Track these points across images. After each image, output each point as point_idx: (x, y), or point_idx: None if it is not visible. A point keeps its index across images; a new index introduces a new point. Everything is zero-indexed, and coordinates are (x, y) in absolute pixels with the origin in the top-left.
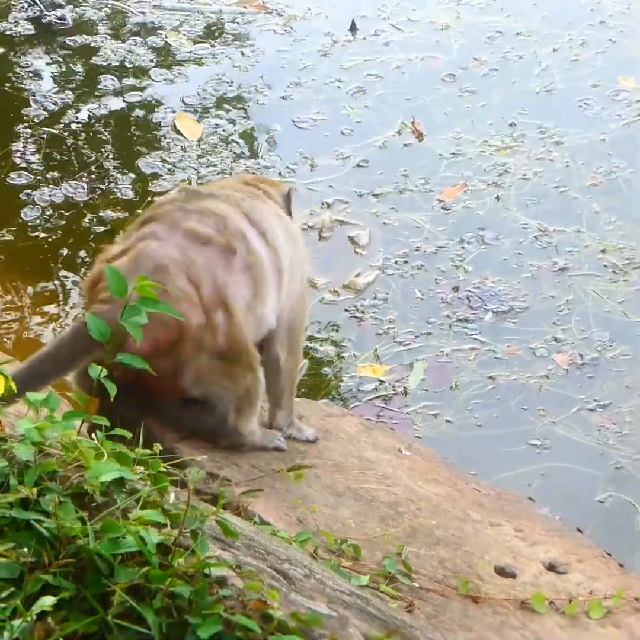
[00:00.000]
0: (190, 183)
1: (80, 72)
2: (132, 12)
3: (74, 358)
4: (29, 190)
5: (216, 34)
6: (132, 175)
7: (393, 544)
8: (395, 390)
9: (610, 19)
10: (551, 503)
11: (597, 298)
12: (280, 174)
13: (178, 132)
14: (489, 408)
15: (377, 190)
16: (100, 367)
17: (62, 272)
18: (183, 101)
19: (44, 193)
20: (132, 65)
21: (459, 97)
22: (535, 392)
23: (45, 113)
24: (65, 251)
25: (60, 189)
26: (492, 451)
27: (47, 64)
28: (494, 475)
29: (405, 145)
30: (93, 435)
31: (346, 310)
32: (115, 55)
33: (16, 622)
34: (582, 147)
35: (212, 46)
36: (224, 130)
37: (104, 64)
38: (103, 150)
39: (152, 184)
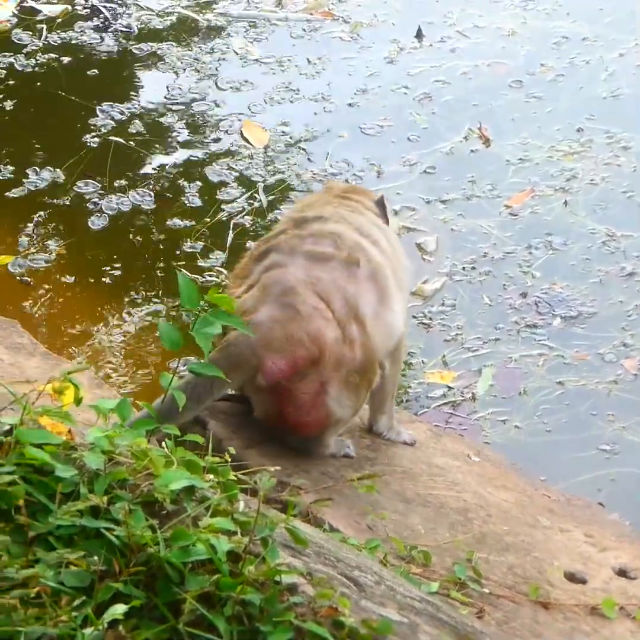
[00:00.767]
0: (257, 192)
1: (146, 80)
2: (198, 20)
3: (212, 388)
4: (96, 199)
5: (282, 41)
6: (199, 183)
7: (463, 550)
8: (463, 396)
9: None
10: (621, 508)
11: None
12: (347, 181)
13: (245, 139)
14: (557, 414)
15: (444, 196)
16: (171, 376)
17: (131, 281)
18: (250, 109)
19: (111, 201)
20: (198, 73)
21: (526, 102)
22: (604, 398)
23: (113, 122)
24: (133, 260)
25: (128, 197)
26: (562, 457)
27: (114, 73)
28: (564, 481)
29: (472, 151)
30: (163, 443)
31: (414, 316)
32: (181, 63)
33: (87, 631)
34: None
35: (279, 54)
36: (291, 138)
37: (170, 72)
38: (170, 158)
39: (220, 191)
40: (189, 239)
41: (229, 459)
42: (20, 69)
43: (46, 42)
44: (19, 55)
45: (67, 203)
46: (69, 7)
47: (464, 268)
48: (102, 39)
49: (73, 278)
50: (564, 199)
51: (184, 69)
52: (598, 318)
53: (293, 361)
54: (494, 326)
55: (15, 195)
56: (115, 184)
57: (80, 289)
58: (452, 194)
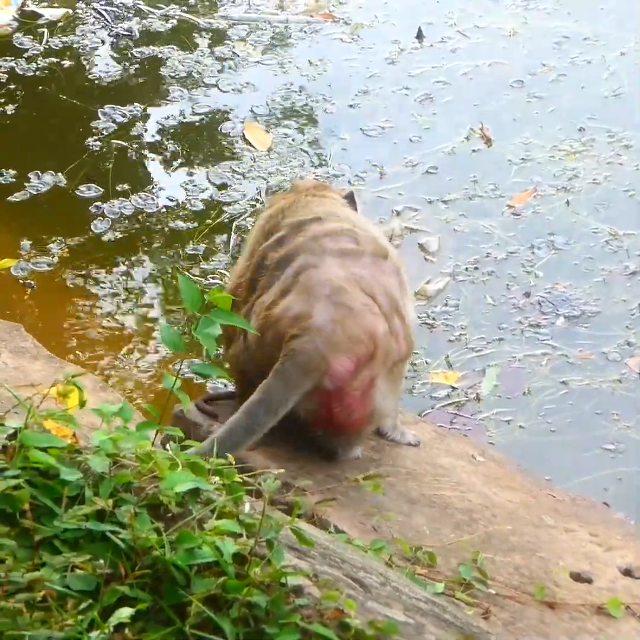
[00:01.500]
0: (259, 194)
1: (148, 83)
2: (199, 23)
3: (286, 398)
4: (99, 203)
5: (283, 43)
6: (201, 185)
7: (468, 550)
8: (467, 396)
9: None
10: (626, 508)
11: None
12: (349, 182)
13: (247, 142)
14: (562, 413)
15: (446, 196)
16: (174, 378)
17: (134, 284)
18: (252, 111)
19: (113, 205)
20: (199, 76)
21: (528, 102)
22: (608, 397)
23: (114, 125)
24: (136, 263)
25: (130, 200)
26: (566, 456)
27: (115, 76)
28: (569, 481)
29: (474, 151)
30: (167, 446)
31: (417, 317)
32: (183, 66)
33: (94, 634)
34: None
35: (280, 56)
36: (293, 140)
37: (172, 75)
38: (172, 161)
39: (222, 194)
40: (191, 242)
41: (234, 461)
42: (21, 73)
43: (47, 46)
44: (20, 59)
45: (69, 207)
46: (70, 10)
47: (466, 268)
48: (104, 42)
49: (76, 281)
50: (566, 199)
51: (186, 72)
52: (602, 317)
53: (357, 360)
54: (498, 326)
55: (17, 199)
56: (118, 188)
57: (83, 292)
58: (454, 194)
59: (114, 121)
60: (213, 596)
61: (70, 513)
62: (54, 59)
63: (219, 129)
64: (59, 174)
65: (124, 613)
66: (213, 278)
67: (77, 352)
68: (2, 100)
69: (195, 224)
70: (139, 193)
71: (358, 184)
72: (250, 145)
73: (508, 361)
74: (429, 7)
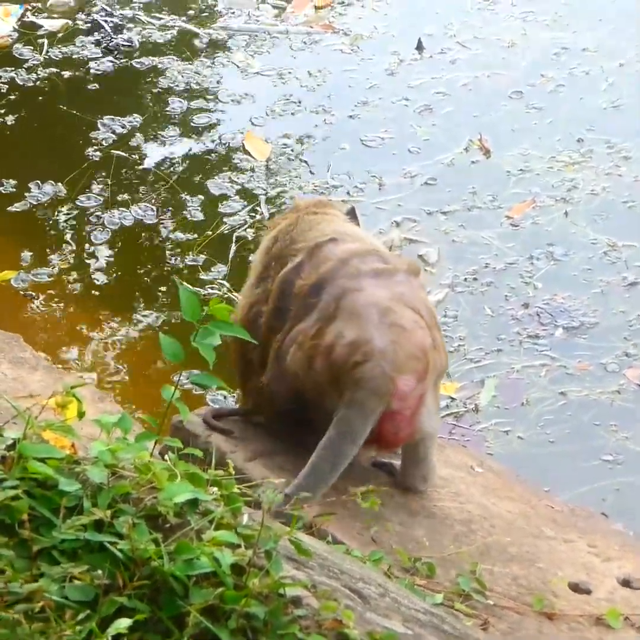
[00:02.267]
0: (259, 204)
1: (147, 94)
2: (198, 33)
3: (365, 427)
4: (98, 213)
5: (283, 54)
6: (201, 196)
7: (467, 561)
8: (466, 407)
9: None
10: (625, 518)
11: None
12: (348, 193)
13: (247, 152)
14: (560, 424)
15: (445, 207)
16: (173, 388)
17: (134, 295)
18: (251, 122)
19: (113, 216)
20: (199, 86)
21: (526, 113)
22: (607, 408)
23: (114, 136)
24: (136, 274)
25: (130, 211)
26: (565, 467)
27: (115, 87)
28: (567, 491)
29: (473, 162)
30: (166, 456)
31: None
32: (182, 76)
33: None
34: None
35: (279, 66)
36: (292, 150)
37: (172, 85)
38: (171, 172)
39: (221, 204)
40: (191, 252)
41: (233, 472)
42: (21, 83)
43: (47, 57)
44: (20, 70)
45: (69, 217)
46: (70, 21)
47: (465, 279)
48: (103, 53)
49: (75, 292)
50: (565, 210)
51: (186, 83)
52: (600, 328)
53: (417, 377)
54: (496, 337)
55: (17, 210)
56: (118, 198)
57: (83, 303)
58: (453, 206)
59: (113, 132)
60: (211, 607)
61: (68, 523)
62: (54, 70)
63: (218, 139)
64: (59, 184)
65: (123, 624)
66: (212, 288)
67: (76, 362)
68: (2, 111)
69: (195, 235)
70: (138, 203)
71: (357, 195)
72: (250, 155)
73: (507, 372)
74: (429, 19)
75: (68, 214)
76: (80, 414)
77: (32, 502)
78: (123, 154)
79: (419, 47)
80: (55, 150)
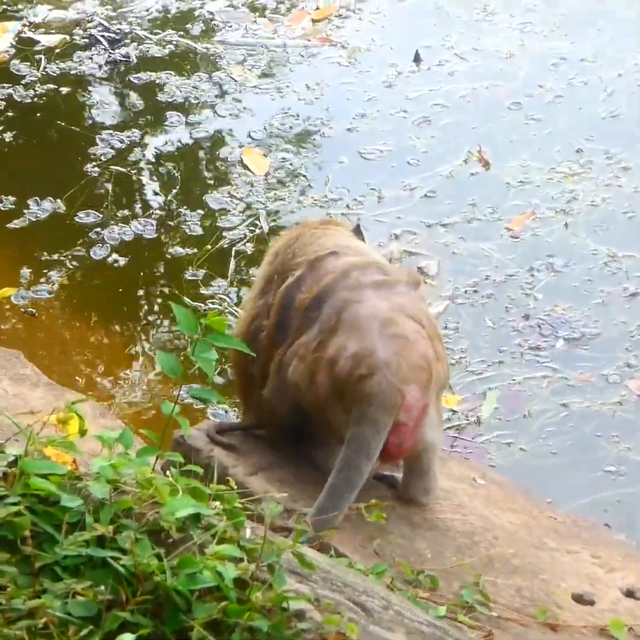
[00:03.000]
0: (258, 219)
1: (146, 109)
2: (196, 48)
3: (379, 441)
4: (98, 229)
5: (281, 67)
6: (200, 211)
7: (470, 573)
8: (468, 419)
9: None
10: (627, 529)
11: None
12: (348, 206)
13: (245, 166)
14: (562, 435)
15: (445, 220)
16: (173, 404)
17: (134, 310)
18: (250, 136)
19: (113, 231)
20: (197, 101)
21: (525, 124)
22: (608, 419)
23: (112, 151)
24: (135, 289)
25: (130, 226)
26: (567, 478)
27: (113, 102)
28: (569, 503)
29: (472, 174)
30: (167, 471)
31: None
32: (180, 91)
33: None
34: None
35: (277, 80)
36: (291, 164)
37: (170, 100)
38: (171, 186)
39: (221, 219)
40: (190, 267)
41: (235, 486)
42: (19, 99)
43: (45, 73)
44: (17, 86)
45: (69, 233)
46: (67, 37)
47: (466, 291)
48: (101, 68)
49: (76, 308)
50: (565, 221)
51: (184, 97)
52: (601, 339)
53: (422, 387)
54: (498, 349)
55: (16, 226)
56: (117, 214)
57: (83, 319)
58: (452, 218)
59: (112, 147)
60: (214, 621)
61: (70, 539)
62: (52, 86)
63: (216, 154)
64: (58, 200)
65: (126, 639)
66: (212, 303)
67: (77, 379)
68: (1, 128)
69: (195, 250)
70: (138, 219)
71: (356, 208)
72: (249, 170)
73: (508, 384)
74: (426, 31)
75: (67, 230)
76: (82, 432)
77: (34, 518)
78: (122, 169)
79: (417, 59)
80: (54, 166)
